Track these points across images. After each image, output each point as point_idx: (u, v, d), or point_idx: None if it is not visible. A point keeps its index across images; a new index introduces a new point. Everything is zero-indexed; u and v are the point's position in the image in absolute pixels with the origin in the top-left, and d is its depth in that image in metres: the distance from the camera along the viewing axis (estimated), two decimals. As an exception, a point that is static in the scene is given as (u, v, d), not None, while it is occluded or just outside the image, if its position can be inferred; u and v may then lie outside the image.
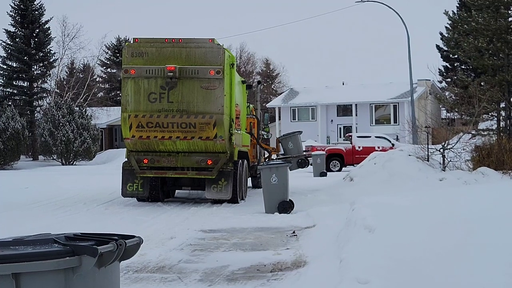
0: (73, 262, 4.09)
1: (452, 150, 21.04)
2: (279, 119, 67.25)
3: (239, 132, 19.16)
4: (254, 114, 23.50)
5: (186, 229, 13.25)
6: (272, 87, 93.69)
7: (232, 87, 18.03)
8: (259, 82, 25.04)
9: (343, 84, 73.79)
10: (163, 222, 14.49)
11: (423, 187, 17.55)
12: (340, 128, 64.65)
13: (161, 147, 17.56)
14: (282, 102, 67.93)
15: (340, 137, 62.16)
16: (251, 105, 23.80)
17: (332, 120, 65.30)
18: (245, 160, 19.83)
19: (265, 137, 27.25)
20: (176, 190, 20.50)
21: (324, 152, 34.01)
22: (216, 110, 17.16)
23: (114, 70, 75.59)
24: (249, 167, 21.06)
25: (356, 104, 63.24)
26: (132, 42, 17.75)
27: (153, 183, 18.40)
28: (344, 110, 65.03)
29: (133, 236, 4.66)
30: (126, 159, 18.10)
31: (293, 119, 66.56)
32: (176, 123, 17.16)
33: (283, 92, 76.67)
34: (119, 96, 72.56)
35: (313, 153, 33.21)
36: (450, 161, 20.78)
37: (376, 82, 67.94)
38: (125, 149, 18.42)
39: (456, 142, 21.38)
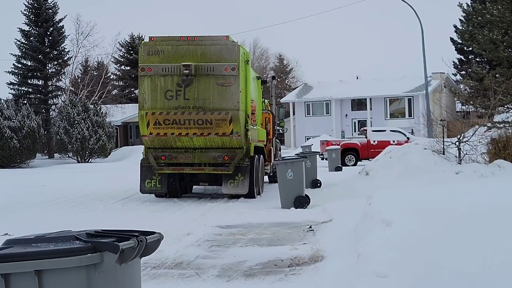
0: (95, 259, 4.12)
1: (468, 143, 20.93)
2: (293, 114, 67.20)
3: (255, 127, 19.35)
4: (269, 109, 23.65)
5: (203, 225, 13.28)
6: (286, 82, 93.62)
7: (247, 83, 18.22)
8: (273, 78, 25.28)
9: (357, 78, 73.55)
10: (180, 218, 14.55)
11: (439, 181, 17.48)
12: (354, 122, 64.55)
13: (178, 143, 17.82)
14: (296, 97, 67.89)
15: (355, 131, 62.05)
16: (266, 101, 24.04)
17: (346, 115, 65.20)
18: (261, 155, 20.01)
19: (281, 131, 27.33)
20: (193, 186, 20.62)
21: (339, 147, 33.94)
22: (231, 106, 17.39)
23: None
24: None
25: (370, 98, 63.09)
26: (148, 40, 17.96)
27: (170, 179, 18.61)
28: (359, 104, 64.91)
29: (153, 232, 4.69)
30: (144, 156, 18.30)
31: (307, 114, 66.52)
32: (192, 119, 17.41)
33: (297, 87, 76.60)
34: (133, 94, 72.78)
35: (328, 147, 33.21)
36: (466, 154, 20.68)
37: (390, 76, 67.79)
38: (140, 146, 18.64)
39: (472, 135, 21.27)
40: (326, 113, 65.62)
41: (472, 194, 9.89)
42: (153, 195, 19.16)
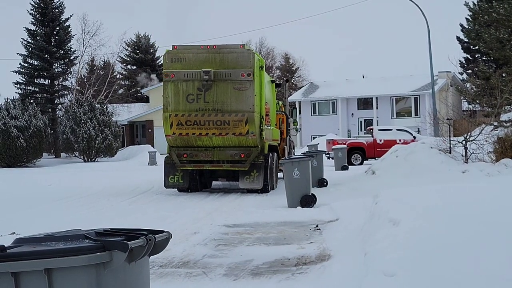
0: (104, 257, 4.15)
1: (474, 142, 20.92)
2: (300, 113, 67.16)
3: (269, 128, 20.76)
4: (283, 110, 25.12)
5: (210, 224, 13.30)
6: (292, 81, 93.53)
7: (262, 87, 19.68)
8: (287, 81, 27.45)
9: (363, 77, 73.43)
10: (187, 218, 14.55)
11: (446, 180, 17.47)
12: (361, 121, 64.48)
13: (198, 142, 19.44)
14: (302, 96, 67.86)
15: (361, 130, 62.01)
16: (280, 102, 25.62)
17: (352, 114, 65.13)
18: (275, 153, 21.24)
19: (294, 131, 27.69)
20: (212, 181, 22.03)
21: (345, 146, 33.92)
22: (247, 109, 19.01)
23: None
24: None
25: (376, 97, 63.01)
26: (171, 49, 19.45)
27: (192, 175, 20.20)
28: (365, 103, 64.83)
29: (162, 231, 4.71)
30: (168, 154, 19.88)
31: (313, 113, 66.51)
32: (212, 121, 19.06)
33: (303, 86, 76.57)
34: (139, 93, 72.91)
35: (334, 146, 33.20)
36: (473, 153, 20.67)
37: (397, 75, 67.71)
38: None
39: (478, 134, 21.24)
40: (332, 112, 65.57)
41: (479, 193, 9.87)
42: (160, 194, 19.97)
